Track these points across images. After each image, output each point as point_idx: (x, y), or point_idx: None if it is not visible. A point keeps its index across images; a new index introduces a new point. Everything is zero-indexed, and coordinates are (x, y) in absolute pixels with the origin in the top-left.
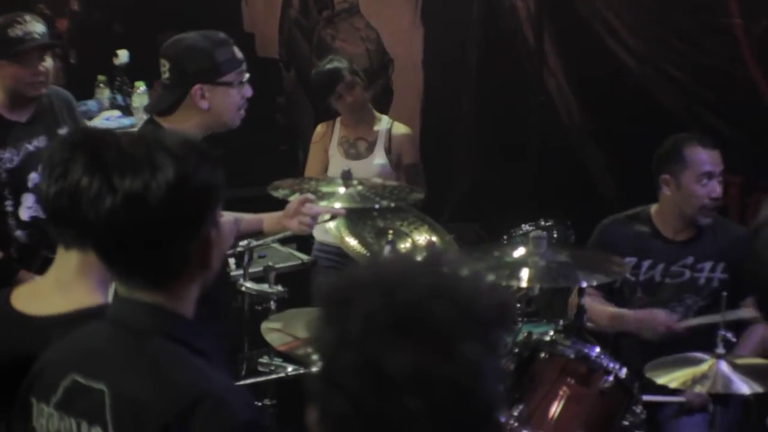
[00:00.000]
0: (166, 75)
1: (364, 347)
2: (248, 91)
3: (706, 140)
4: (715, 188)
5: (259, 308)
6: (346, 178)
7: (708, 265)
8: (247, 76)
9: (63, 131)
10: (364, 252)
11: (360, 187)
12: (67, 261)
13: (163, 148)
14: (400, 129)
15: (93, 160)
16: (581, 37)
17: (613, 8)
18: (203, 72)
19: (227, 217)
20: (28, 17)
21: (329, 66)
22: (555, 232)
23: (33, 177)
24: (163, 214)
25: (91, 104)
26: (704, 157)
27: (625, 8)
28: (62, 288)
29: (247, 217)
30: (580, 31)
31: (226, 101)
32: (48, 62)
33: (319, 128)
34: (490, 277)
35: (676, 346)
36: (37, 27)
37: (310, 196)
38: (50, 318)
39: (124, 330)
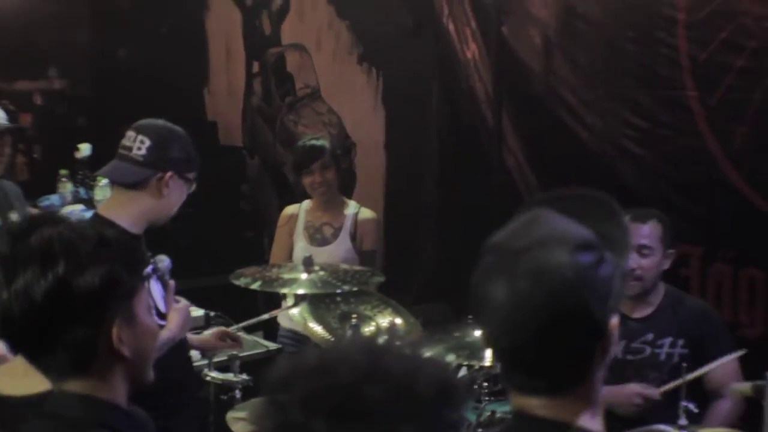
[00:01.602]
0: (142, 152)
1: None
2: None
3: (638, 214)
4: (631, 261)
5: (225, 397)
6: (308, 264)
7: (667, 341)
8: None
9: (14, 216)
10: (329, 337)
11: (322, 273)
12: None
13: (60, 241)
14: (366, 214)
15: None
16: (539, 116)
17: (568, 86)
18: (181, 161)
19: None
20: None
21: (313, 142)
22: None
23: None
24: (52, 308)
25: (54, 198)
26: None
27: (580, 85)
28: (26, 369)
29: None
30: (537, 110)
31: (180, 197)
32: (8, 149)
33: (285, 213)
34: (450, 358)
35: (640, 420)
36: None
37: (230, 330)
38: (25, 398)
39: (62, 423)
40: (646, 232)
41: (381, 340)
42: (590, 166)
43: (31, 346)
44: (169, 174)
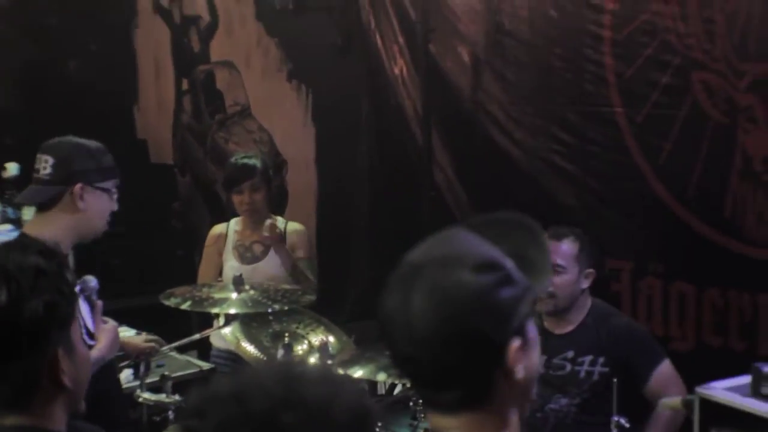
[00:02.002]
0: (47, 171)
1: None
2: (115, 204)
3: (557, 231)
4: None
5: (158, 419)
6: (238, 283)
7: (588, 359)
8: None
9: None
10: (261, 356)
11: (252, 292)
12: None
13: (4, 274)
14: (293, 226)
15: None
16: (467, 132)
17: (497, 102)
18: (88, 172)
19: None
20: None
21: (245, 161)
22: None
23: None
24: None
25: None
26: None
27: (508, 101)
28: None
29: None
30: (466, 126)
31: (101, 207)
32: None
33: (213, 231)
34: (382, 377)
35: None
36: None
37: (163, 349)
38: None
39: None
40: (560, 249)
41: (296, 366)
42: (520, 182)
43: None
44: (78, 186)
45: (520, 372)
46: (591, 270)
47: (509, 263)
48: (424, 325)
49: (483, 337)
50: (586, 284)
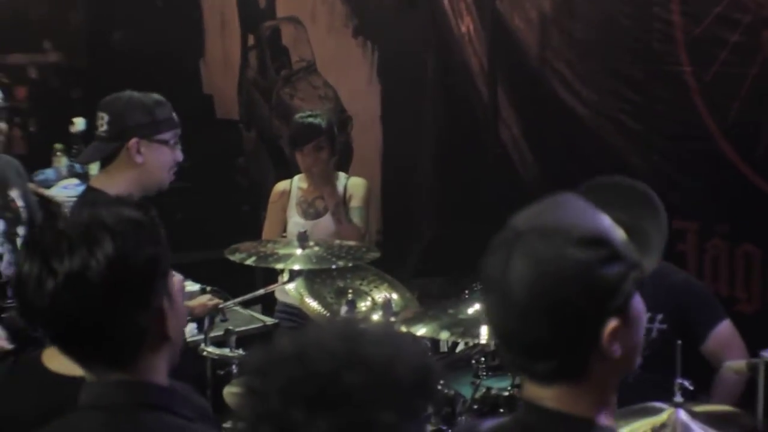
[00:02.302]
0: (104, 128)
1: (281, 420)
2: (179, 155)
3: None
4: None
5: (221, 373)
6: (302, 240)
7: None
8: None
9: (12, 193)
10: (325, 312)
11: (316, 248)
12: None
13: (101, 226)
14: (355, 181)
15: (32, 246)
16: (534, 90)
17: (564, 59)
18: (142, 126)
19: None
20: None
21: (311, 120)
22: None
23: None
24: (107, 291)
25: (48, 173)
26: None
27: (575, 59)
28: None
29: None
30: (532, 84)
31: (161, 159)
32: (3, 125)
33: (277, 188)
34: (445, 335)
35: (634, 396)
36: None
37: (227, 305)
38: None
39: (102, 412)
40: None
41: (357, 325)
42: (586, 140)
43: (82, 336)
44: (133, 141)
45: (616, 351)
46: None
47: (618, 236)
48: (521, 295)
49: (579, 313)
50: None
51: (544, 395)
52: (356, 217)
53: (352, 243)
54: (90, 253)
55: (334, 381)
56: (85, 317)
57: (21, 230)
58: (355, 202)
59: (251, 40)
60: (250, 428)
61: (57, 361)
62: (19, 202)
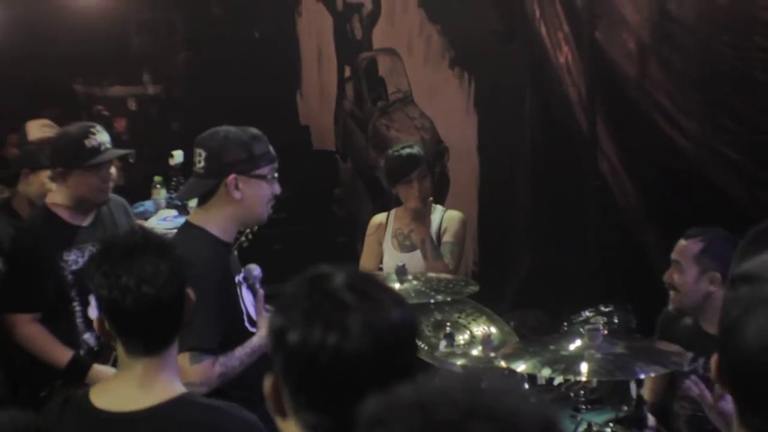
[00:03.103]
0: (201, 164)
1: None
2: (277, 188)
3: (690, 231)
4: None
5: None
6: (401, 273)
7: None
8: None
9: None
10: (423, 346)
11: (415, 282)
12: (136, 359)
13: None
14: (451, 214)
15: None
16: (633, 120)
17: (663, 90)
18: (240, 162)
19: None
20: (98, 127)
21: (408, 151)
22: (615, 317)
23: None
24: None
25: (147, 204)
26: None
27: (675, 90)
28: (141, 382)
29: None
30: (632, 114)
31: (259, 194)
32: (114, 170)
33: (374, 220)
34: (546, 372)
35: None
36: (106, 137)
37: None
38: (134, 414)
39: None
40: (680, 246)
41: (479, 376)
42: (687, 171)
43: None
44: (231, 177)
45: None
46: (716, 273)
47: None
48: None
49: None
50: (710, 287)
51: None
52: (446, 253)
53: (449, 276)
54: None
55: (458, 431)
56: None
57: None
58: (448, 237)
59: (348, 72)
60: None
61: (104, 399)
62: None
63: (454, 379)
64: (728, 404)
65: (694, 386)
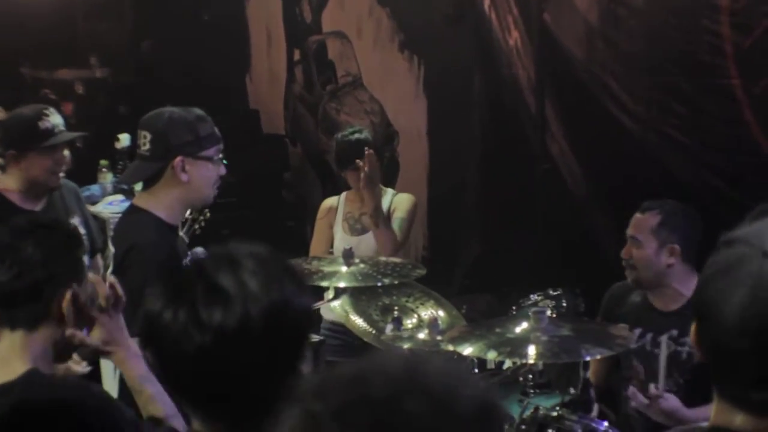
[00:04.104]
0: (147, 147)
1: None
2: (223, 169)
3: (646, 204)
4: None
5: None
6: (348, 257)
7: (690, 339)
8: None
9: (74, 220)
10: (370, 330)
11: (362, 266)
12: (11, 341)
13: (253, 273)
14: (401, 196)
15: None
16: (582, 103)
17: (612, 73)
18: (186, 144)
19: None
20: (51, 109)
21: (357, 136)
22: (564, 300)
23: None
24: (264, 345)
25: (94, 189)
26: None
27: (623, 72)
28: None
29: None
30: (581, 97)
31: (206, 175)
32: (67, 153)
33: (325, 204)
34: (492, 355)
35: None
36: (59, 119)
37: None
38: None
39: None
40: (637, 221)
41: (420, 355)
42: (635, 154)
43: (227, 391)
44: (178, 160)
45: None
46: (675, 245)
47: None
48: (744, 320)
49: None
50: (669, 260)
51: (757, 427)
52: (396, 227)
53: (398, 260)
54: (243, 305)
55: (393, 408)
56: (234, 375)
57: (85, 259)
58: (399, 213)
59: (297, 55)
60: None
61: None
62: (81, 230)
63: (396, 358)
64: (668, 401)
65: (632, 398)
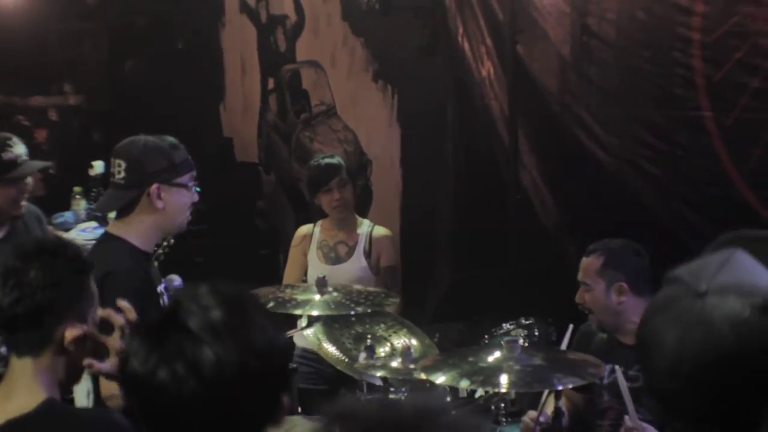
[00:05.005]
0: (122, 175)
1: None
2: (196, 196)
3: (590, 247)
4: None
5: None
6: (321, 285)
7: None
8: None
9: None
10: (343, 358)
11: (335, 294)
12: (21, 368)
13: (229, 317)
14: (380, 231)
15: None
16: (555, 134)
17: (584, 104)
18: (162, 171)
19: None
20: (15, 139)
21: (328, 160)
22: (536, 329)
23: None
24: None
25: (67, 215)
26: None
27: (595, 104)
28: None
29: None
30: (553, 128)
31: (180, 202)
32: (30, 180)
33: (299, 232)
34: (465, 383)
35: None
36: (22, 149)
37: None
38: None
39: None
40: (582, 266)
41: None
42: (606, 185)
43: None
44: (153, 187)
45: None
46: (621, 283)
47: None
48: (696, 357)
49: (759, 383)
50: (620, 298)
51: None
52: (390, 279)
53: (371, 289)
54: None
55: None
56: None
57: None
58: (387, 262)
59: (271, 84)
60: None
61: None
62: None
63: (377, 399)
64: (646, 431)
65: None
